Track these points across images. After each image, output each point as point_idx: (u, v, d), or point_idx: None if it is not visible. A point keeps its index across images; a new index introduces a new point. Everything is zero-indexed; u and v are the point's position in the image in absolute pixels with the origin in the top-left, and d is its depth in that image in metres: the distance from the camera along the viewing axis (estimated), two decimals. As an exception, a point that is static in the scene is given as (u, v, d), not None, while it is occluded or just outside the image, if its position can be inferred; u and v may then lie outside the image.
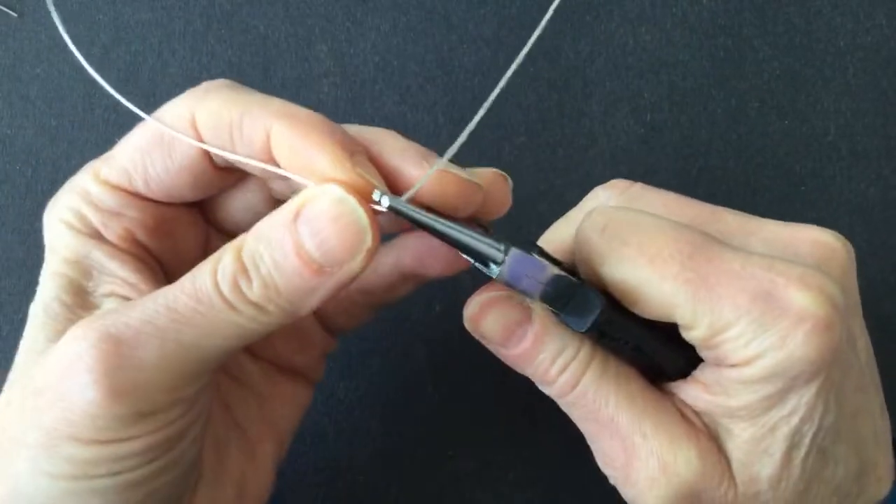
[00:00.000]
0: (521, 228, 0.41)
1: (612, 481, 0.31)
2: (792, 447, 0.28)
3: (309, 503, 0.41)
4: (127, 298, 0.29)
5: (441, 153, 0.43)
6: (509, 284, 0.28)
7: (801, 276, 0.27)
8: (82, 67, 0.44)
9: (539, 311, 0.30)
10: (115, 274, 0.29)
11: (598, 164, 0.44)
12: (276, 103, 0.28)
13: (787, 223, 0.31)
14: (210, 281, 0.26)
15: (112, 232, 0.30)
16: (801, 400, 0.28)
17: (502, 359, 0.31)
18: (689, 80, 0.45)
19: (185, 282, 0.27)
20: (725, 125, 0.44)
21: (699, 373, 0.30)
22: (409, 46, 0.45)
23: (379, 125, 0.43)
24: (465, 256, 0.29)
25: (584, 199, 0.34)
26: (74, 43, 0.45)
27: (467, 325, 0.31)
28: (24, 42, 0.44)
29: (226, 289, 0.26)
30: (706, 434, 0.29)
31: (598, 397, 0.29)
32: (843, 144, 0.45)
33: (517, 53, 0.44)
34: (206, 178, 0.30)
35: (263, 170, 0.28)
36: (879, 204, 0.44)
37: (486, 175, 0.30)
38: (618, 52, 0.45)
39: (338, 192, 0.26)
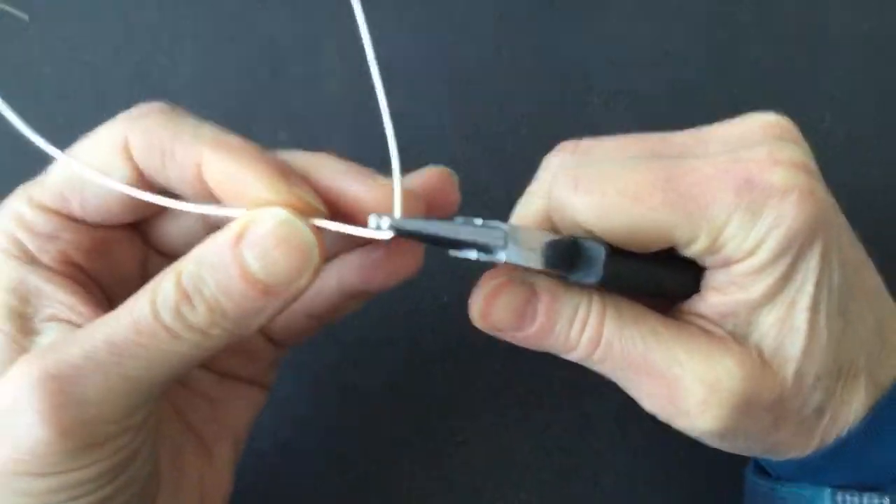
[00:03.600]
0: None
1: (662, 419, 0.31)
2: (814, 315, 0.29)
3: (321, 493, 0.41)
4: (68, 322, 0.28)
5: (445, 148, 0.44)
6: (519, 264, 0.28)
7: (769, 156, 0.28)
8: (93, 66, 0.44)
9: (540, 282, 0.30)
10: (54, 298, 0.29)
11: (600, 156, 0.44)
12: (208, 131, 0.28)
13: (731, 121, 0.32)
14: (149, 311, 0.26)
15: (48, 255, 0.29)
16: (809, 267, 0.28)
17: (519, 343, 0.31)
18: (688, 71, 0.45)
19: (123, 313, 0.26)
20: (724, 115, 0.44)
21: (709, 282, 0.30)
22: (413, 44, 0.45)
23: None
24: (459, 254, 0.28)
25: (539, 171, 0.33)
26: (85, 43, 0.45)
27: (478, 323, 0.30)
28: (34, 43, 0.45)
29: (167, 318, 0.26)
30: (732, 340, 0.30)
31: (625, 342, 0.30)
32: (839, 130, 0.45)
33: (518, 49, 0.45)
34: (142, 202, 0.29)
35: (198, 199, 0.28)
36: (877, 188, 0.45)
37: (434, 172, 0.30)
38: (617, 46, 0.45)
39: (283, 213, 0.26)
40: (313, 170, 0.29)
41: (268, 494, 0.41)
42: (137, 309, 0.26)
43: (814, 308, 0.29)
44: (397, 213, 0.27)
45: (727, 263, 0.29)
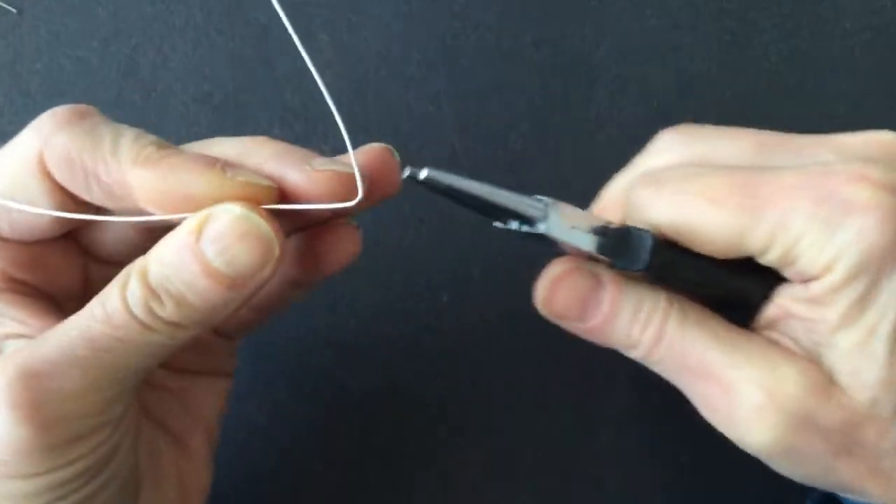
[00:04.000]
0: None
1: (719, 429, 0.30)
2: (895, 344, 0.28)
3: (318, 496, 0.41)
4: (26, 337, 0.28)
5: (444, 142, 0.43)
6: (560, 239, 0.28)
7: (859, 172, 0.27)
8: (83, 62, 0.44)
9: (607, 274, 0.30)
10: (5, 315, 0.29)
11: (606, 150, 0.43)
12: (127, 148, 0.27)
13: (855, 133, 0.30)
14: (122, 306, 0.26)
15: None
16: (893, 292, 0.27)
17: (582, 335, 0.31)
18: (696, 63, 0.44)
19: (95, 309, 0.26)
20: (733, 108, 0.44)
21: (788, 296, 0.29)
22: (411, 35, 0.44)
23: (382, 115, 0.44)
24: (501, 225, 0.29)
25: (650, 144, 0.34)
26: (74, 37, 0.45)
27: (542, 309, 0.31)
28: (24, 38, 0.44)
29: (139, 312, 0.26)
30: (803, 355, 0.29)
31: (685, 342, 0.29)
32: (850, 126, 0.44)
33: (520, 40, 0.44)
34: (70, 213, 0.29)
35: (129, 213, 0.28)
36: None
37: (374, 149, 0.30)
38: (623, 37, 0.44)
39: (238, 209, 0.26)
40: (244, 158, 0.28)
41: (266, 497, 0.41)
42: (110, 304, 0.26)
43: (895, 337, 0.27)
44: (360, 185, 0.27)
45: (804, 278, 0.28)
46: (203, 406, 0.34)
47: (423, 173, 0.27)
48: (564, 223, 0.28)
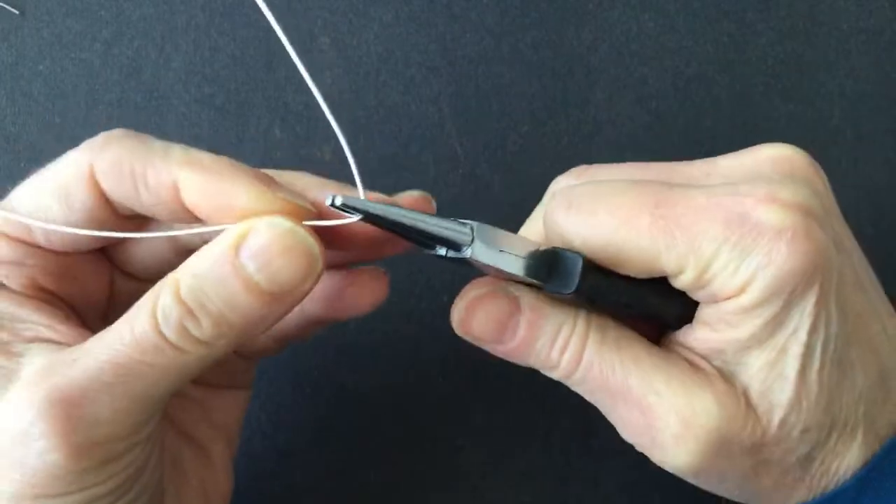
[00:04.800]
0: (525, 219, 0.41)
1: (638, 449, 0.30)
2: (805, 363, 0.28)
3: (319, 497, 0.41)
4: (51, 342, 0.28)
5: (444, 144, 0.43)
6: (486, 265, 0.28)
7: (767, 193, 0.27)
8: (85, 63, 0.44)
9: (526, 297, 0.30)
10: (30, 320, 0.29)
11: (604, 153, 0.44)
12: (178, 152, 0.27)
13: (742, 151, 0.31)
14: (151, 327, 0.26)
15: (15, 282, 0.29)
16: (804, 313, 0.27)
17: (501, 356, 0.31)
18: (694, 66, 0.44)
19: (124, 332, 0.26)
20: (730, 111, 0.44)
21: (700, 317, 0.30)
22: (411, 37, 0.44)
23: (383, 117, 0.44)
24: (431, 252, 0.28)
25: (547, 191, 0.34)
26: (76, 38, 0.44)
27: (458, 330, 0.30)
28: (27, 39, 0.44)
29: (171, 334, 0.26)
30: (719, 377, 0.29)
31: (604, 366, 0.29)
32: (847, 128, 0.44)
33: (520, 42, 0.44)
34: (107, 228, 0.29)
35: (172, 220, 0.28)
36: (885, 187, 0.44)
37: (414, 195, 0.30)
38: (621, 40, 0.45)
39: (283, 222, 0.26)
40: (290, 186, 0.29)
41: (266, 499, 0.41)
42: (138, 326, 0.26)
43: (806, 357, 0.28)
44: (361, 195, 0.27)
45: (716, 299, 0.28)
46: (224, 416, 0.34)
47: (339, 200, 0.26)
48: (492, 247, 0.27)
